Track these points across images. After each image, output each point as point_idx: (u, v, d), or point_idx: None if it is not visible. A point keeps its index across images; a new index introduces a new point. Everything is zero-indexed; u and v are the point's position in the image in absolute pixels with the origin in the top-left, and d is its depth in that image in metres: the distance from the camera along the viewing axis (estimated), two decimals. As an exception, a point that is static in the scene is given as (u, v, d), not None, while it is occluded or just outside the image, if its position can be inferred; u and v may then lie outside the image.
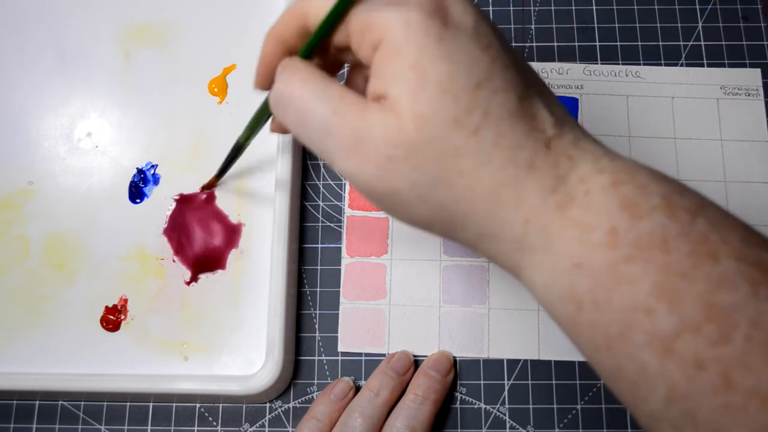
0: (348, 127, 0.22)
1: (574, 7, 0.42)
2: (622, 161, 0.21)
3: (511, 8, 0.42)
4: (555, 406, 0.35)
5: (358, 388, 0.35)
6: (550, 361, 0.36)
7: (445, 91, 0.20)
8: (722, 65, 0.40)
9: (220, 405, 0.36)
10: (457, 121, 0.20)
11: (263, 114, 0.29)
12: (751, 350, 0.18)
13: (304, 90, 0.23)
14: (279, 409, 0.36)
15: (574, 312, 0.21)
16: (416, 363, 0.36)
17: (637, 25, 0.41)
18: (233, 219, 0.38)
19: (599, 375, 0.22)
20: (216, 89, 0.41)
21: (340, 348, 0.37)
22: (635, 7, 0.42)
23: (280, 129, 0.29)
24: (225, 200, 0.39)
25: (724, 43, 0.41)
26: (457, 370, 0.36)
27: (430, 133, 0.21)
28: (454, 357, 0.36)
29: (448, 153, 0.21)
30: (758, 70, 0.40)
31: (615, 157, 0.22)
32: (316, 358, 0.37)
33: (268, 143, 0.39)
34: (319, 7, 0.23)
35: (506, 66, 0.21)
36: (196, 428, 0.36)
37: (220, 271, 0.37)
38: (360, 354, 0.37)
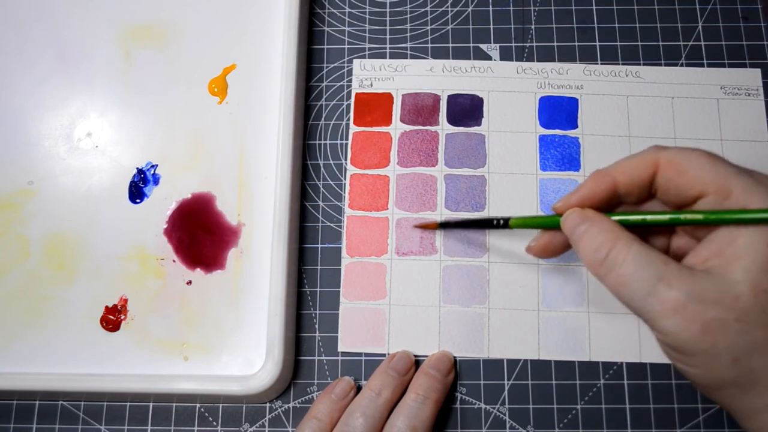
0: (674, 290, 0.24)
1: (574, 7, 0.42)
2: None
3: (511, 8, 0.42)
4: (555, 406, 0.35)
5: (358, 388, 0.35)
6: (550, 361, 0.36)
7: None
8: (722, 65, 0.40)
9: (220, 405, 0.36)
10: None
11: (547, 227, 0.30)
12: None
13: (627, 254, 0.25)
14: (279, 409, 0.36)
15: None
16: (416, 363, 0.36)
17: (637, 25, 0.41)
18: (233, 219, 0.38)
19: None
20: (216, 89, 0.41)
21: (340, 348, 0.37)
22: (635, 7, 0.42)
23: (540, 253, 0.31)
24: (225, 200, 0.39)
25: (724, 43, 0.41)
26: (457, 370, 0.36)
27: (766, 305, 0.23)
28: (455, 357, 0.36)
29: None
30: (758, 70, 0.40)
31: None
32: (316, 358, 0.37)
33: (268, 143, 0.39)
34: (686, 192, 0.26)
35: None
36: (196, 428, 0.36)
37: (220, 271, 0.37)
38: (360, 354, 0.37)
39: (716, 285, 0.23)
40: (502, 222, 0.32)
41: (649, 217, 0.27)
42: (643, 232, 0.28)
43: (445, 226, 0.37)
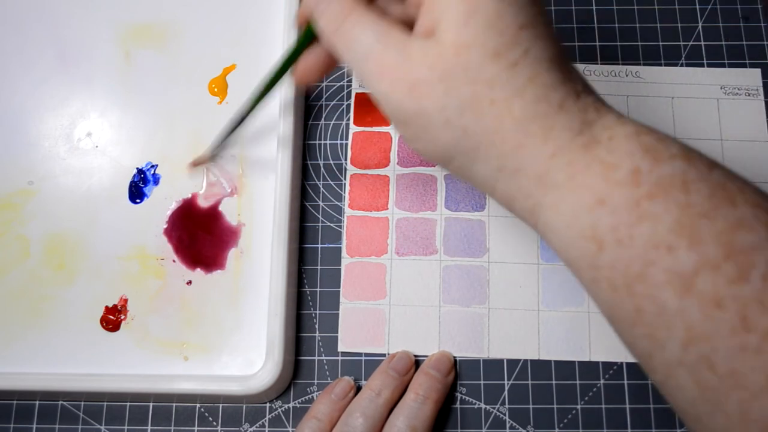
0: (388, 52, 0.23)
1: (574, 7, 0.42)
2: (641, 122, 0.23)
3: (511, 8, 0.42)
4: (555, 406, 0.35)
5: (358, 388, 0.35)
6: (550, 361, 0.36)
7: (491, 25, 0.21)
8: (722, 65, 0.40)
9: (220, 405, 0.36)
10: (498, 54, 0.21)
11: (294, 56, 0.29)
12: None
13: (358, 19, 0.24)
14: (279, 409, 0.36)
15: (594, 251, 0.21)
16: (417, 363, 0.36)
17: (637, 25, 0.41)
18: (233, 219, 0.38)
19: (615, 324, 0.22)
20: (216, 89, 0.41)
21: (340, 348, 0.37)
22: (635, 7, 0.42)
23: (304, 76, 0.29)
24: (225, 200, 0.39)
25: (724, 43, 0.41)
26: (457, 370, 0.36)
27: (468, 60, 0.22)
28: (455, 357, 0.36)
29: (483, 81, 0.22)
30: (758, 70, 0.40)
31: (634, 120, 0.23)
32: (316, 358, 0.37)
33: (268, 143, 0.39)
34: None
35: (548, 23, 0.23)
36: (196, 428, 0.36)
37: (220, 271, 0.37)
38: (360, 354, 0.37)
39: (423, 48, 0.22)
40: (254, 99, 0.32)
41: None
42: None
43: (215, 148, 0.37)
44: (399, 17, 0.25)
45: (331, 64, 0.28)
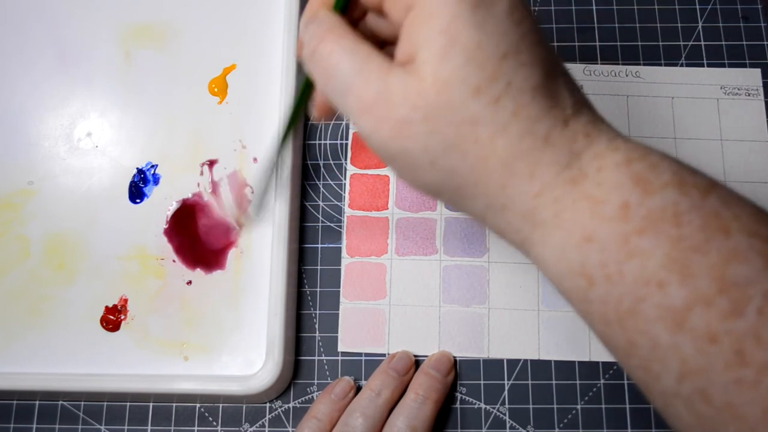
0: (369, 87, 0.22)
1: (574, 7, 0.42)
2: (634, 143, 0.22)
3: (511, 8, 0.42)
4: (555, 406, 0.35)
5: (358, 388, 0.35)
6: (550, 361, 0.36)
7: (470, 58, 0.20)
8: (722, 65, 0.40)
9: (220, 405, 0.36)
10: (479, 89, 0.21)
11: (306, 91, 0.28)
12: (764, 324, 0.18)
13: (335, 46, 0.23)
14: (279, 409, 0.36)
15: (585, 287, 0.21)
16: (417, 363, 0.36)
17: (637, 25, 0.41)
18: (233, 219, 0.38)
19: (611, 353, 0.22)
20: (216, 89, 0.41)
21: (340, 348, 0.37)
22: (635, 7, 0.42)
23: (322, 112, 0.28)
24: (225, 200, 0.39)
25: (724, 43, 0.41)
26: (457, 370, 0.36)
27: (449, 98, 0.21)
28: (455, 357, 0.36)
29: (466, 119, 0.21)
30: (758, 70, 0.40)
31: (628, 139, 0.22)
32: (316, 358, 0.37)
33: (268, 143, 0.39)
34: None
35: (535, 43, 0.21)
36: (196, 428, 0.36)
37: (220, 271, 0.37)
38: (360, 354, 0.37)
39: (404, 83, 0.21)
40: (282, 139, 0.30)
41: None
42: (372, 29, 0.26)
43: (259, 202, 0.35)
44: (387, 35, 0.25)
45: None
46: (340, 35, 0.23)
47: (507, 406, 0.36)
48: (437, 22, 0.21)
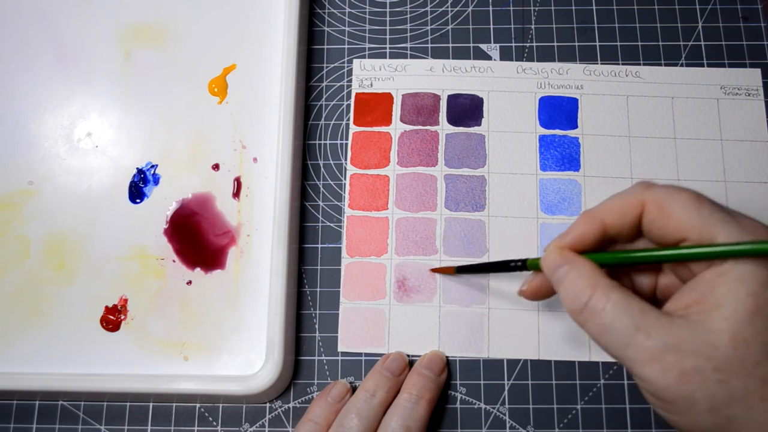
0: (652, 340, 0.24)
1: (574, 7, 0.42)
2: None
3: (511, 8, 0.42)
4: (555, 406, 0.35)
5: (355, 389, 0.35)
6: (550, 361, 0.36)
7: None
8: (722, 65, 0.40)
9: (220, 405, 0.36)
10: None
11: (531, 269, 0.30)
12: None
13: (606, 302, 0.25)
14: (279, 409, 0.36)
15: None
16: (412, 363, 0.36)
17: (637, 25, 0.41)
18: (233, 219, 0.38)
19: None
20: (216, 89, 0.41)
21: (340, 348, 0.37)
22: (635, 7, 0.42)
23: (532, 296, 0.30)
24: (225, 200, 0.39)
25: (724, 43, 0.41)
26: (450, 369, 0.36)
27: (744, 355, 0.23)
28: (452, 357, 0.36)
29: (757, 376, 0.23)
30: (758, 70, 0.40)
31: None
32: (316, 358, 0.37)
33: (268, 143, 0.39)
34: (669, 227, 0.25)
35: None
36: (196, 428, 0.36)
37: (220, 271, 0.37)
38: (360, 354, 0.37)
39: (694, 334, 0.23)
40: (519, 263, 0.31)
41: (622, 255, 0.26)
42: (629, 269, 0.28)
43: (462, 270, 0.36)
44: (646, 288, 0.27)
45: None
46: (607, 289, 0.25)
47: (507, 406, 0.36)
48: (746, 286, 0.23)
